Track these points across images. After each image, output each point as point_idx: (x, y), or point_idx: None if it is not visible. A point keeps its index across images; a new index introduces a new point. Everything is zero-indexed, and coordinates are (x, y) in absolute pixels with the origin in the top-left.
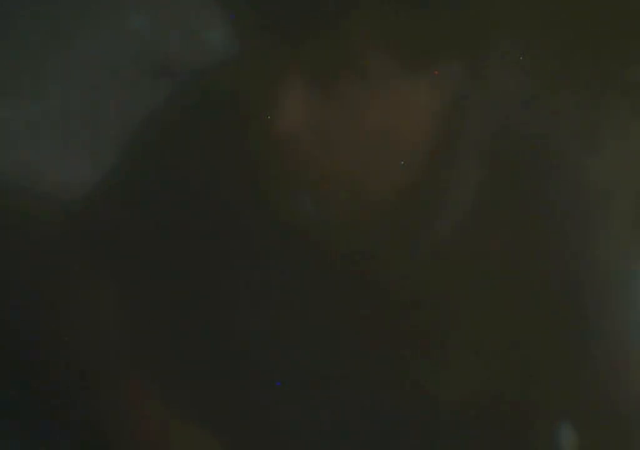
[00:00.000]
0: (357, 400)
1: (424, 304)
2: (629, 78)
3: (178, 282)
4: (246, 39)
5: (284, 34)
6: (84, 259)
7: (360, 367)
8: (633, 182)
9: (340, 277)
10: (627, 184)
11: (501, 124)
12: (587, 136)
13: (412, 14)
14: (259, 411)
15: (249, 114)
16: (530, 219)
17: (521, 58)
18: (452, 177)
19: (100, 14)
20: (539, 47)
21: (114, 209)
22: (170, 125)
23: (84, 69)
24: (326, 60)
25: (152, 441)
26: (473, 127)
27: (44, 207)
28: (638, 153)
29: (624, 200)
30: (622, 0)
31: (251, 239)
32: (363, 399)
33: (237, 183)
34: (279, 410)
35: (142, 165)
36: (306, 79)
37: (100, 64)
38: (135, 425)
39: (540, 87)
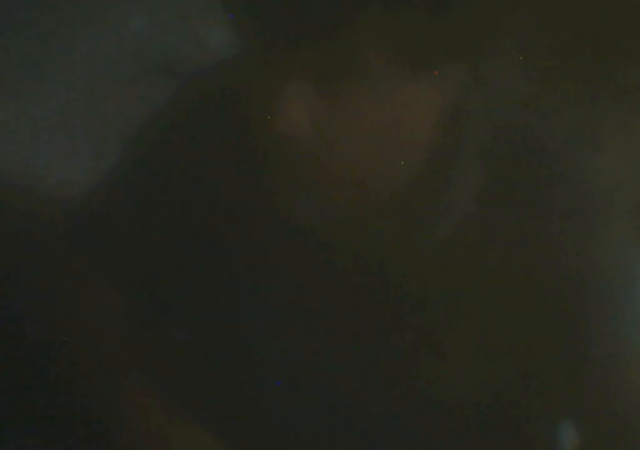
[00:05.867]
0: (358, 400)
1: (425, 303)
2: (629, 78)
3: (179, 282)
4: (246, 38)
5: (285, 34)
6: (84, 259)
7: (361, 367)
8: (634, 182)
9: (341, 277)
10: (628, 184)
11: (502, 124)
12: (587, 136)
13: (413, 14)
14: (259, 411)
15: (249, 114)
16: (530, 219)
17: (521, 58)
18: (452, 177)
19: (101, 13)
20: (539, 47)
21: (114, 209)
22: (171, 126)
23: (84, 68)
24: (326, 60)
25: (152, 441)
26: (474, 127)
27: (44, 207)
28: (639, 153)
29: (625, 201)
30: (622, 0)
31: (252, 238)
32: (363, 399)
33: (237, 183)
34: (279, 410)
35: (143, 165)
36: (306, 79)
37: (101, 64)
38: (135, 425)
39: (540, 87)
